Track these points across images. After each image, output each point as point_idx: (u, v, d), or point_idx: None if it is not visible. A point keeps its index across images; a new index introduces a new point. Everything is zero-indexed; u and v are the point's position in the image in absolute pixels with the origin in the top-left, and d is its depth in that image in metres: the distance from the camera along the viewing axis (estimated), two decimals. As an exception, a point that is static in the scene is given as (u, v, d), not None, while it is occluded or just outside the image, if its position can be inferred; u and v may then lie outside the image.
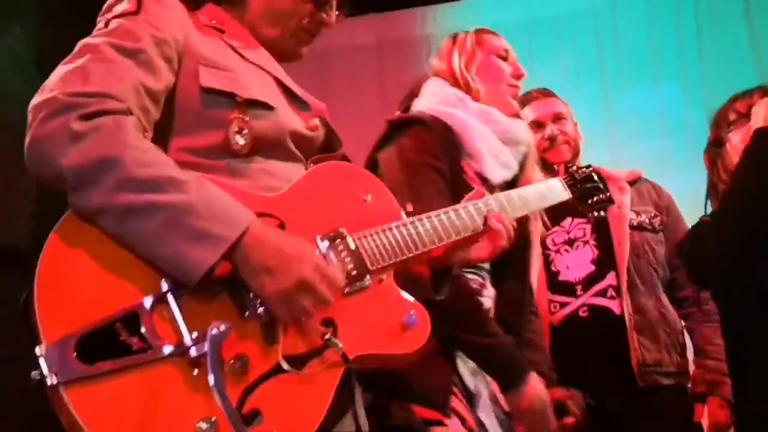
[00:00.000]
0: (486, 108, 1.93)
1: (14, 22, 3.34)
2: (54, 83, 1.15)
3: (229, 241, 1.10)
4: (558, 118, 2.58)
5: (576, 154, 2.58)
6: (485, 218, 1.47)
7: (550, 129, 2.55)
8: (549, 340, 2.37)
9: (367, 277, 1.28)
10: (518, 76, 2.06)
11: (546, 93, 2.67)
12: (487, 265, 1.90)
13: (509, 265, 2.21)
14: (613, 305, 2.35)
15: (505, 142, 1.92)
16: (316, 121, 1.43)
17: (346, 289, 1.26)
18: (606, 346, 2.31)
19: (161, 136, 1.26)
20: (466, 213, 1.47)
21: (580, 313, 2.39)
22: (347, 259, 1.27)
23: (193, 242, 1.09)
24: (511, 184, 1.90)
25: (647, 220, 2.46)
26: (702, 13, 4.48)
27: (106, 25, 1.26)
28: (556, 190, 1.75)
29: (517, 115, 2.02)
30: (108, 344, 1.05)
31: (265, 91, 1.36)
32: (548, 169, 2.60)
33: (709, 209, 2.04)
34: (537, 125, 2.58)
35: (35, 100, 1.15)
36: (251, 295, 1.15)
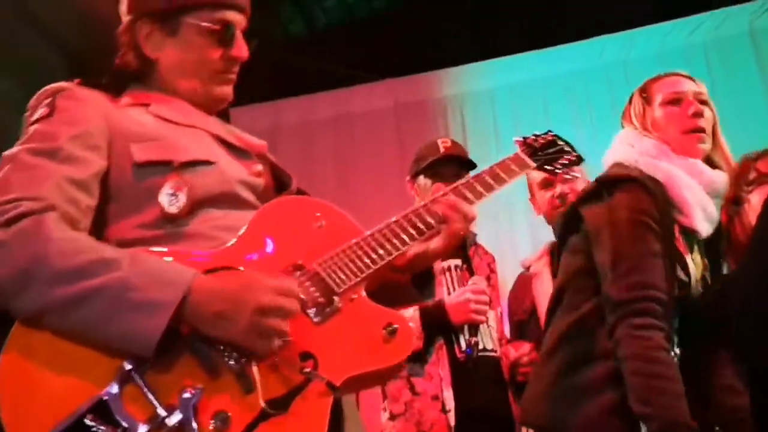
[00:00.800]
0: (690, 160, 1.89)
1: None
2: None
3: (173, 304, 1.12)
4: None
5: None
6: (438, 213, 1.45)
7: (561, 188, 2.56)
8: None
9: (336, 299, 1.29)
10: (696, 114, 1.95)
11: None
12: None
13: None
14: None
15: (711, 194, 1.88)
16: (259, 167, 1.46)
17: (317, 318, 1.27)
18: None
19: (102, 219, 1.29)
20: (417, 214, 1.45)
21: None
22: (311, 289, 1.29)
23: (138, 315, 1.11)
24: (711, 239, 1.90)
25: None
26: (714, 63, 4.51)
27: (26, 132, 1.30)
28: (518, 164, 1.66)
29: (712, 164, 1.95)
30: None
31: (202, 148, 1.38)
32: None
33: (725, 267, 2.00)
34: (547, 184, 2.60)
35: None
36: (217, 348, 1.15)
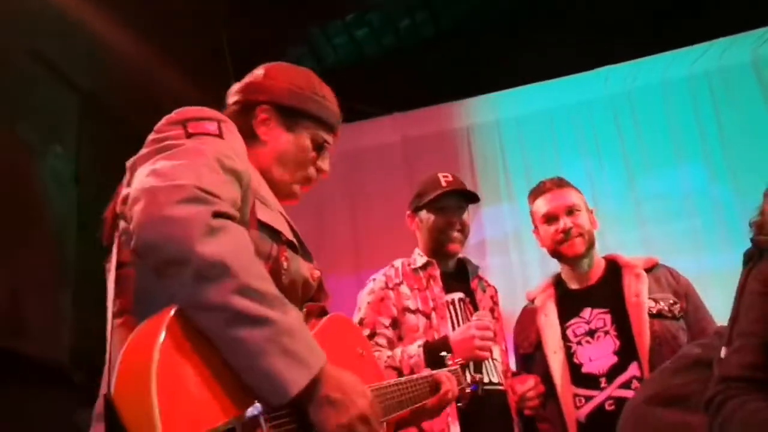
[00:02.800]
0: None
1: (56, 144, 3.58)
2: (170, 171, 1.19)
3: (316, 369, 1.19)
4: (571, 210, 2.61)
5: (591, 245, 2.60)
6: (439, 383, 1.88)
7: (564, 222, 2.58)
8: (576, 436, 2.34)
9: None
10: None
11: (559, 184, 2.70)
12: None
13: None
14: (638, 396, 2.30)
15: None
16: (318, 273, 1.57)
17: None
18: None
19: None
20: (426, 381, 1.84)
21: (606, 407, 2.35)
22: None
23: (289, 362, 1.15)
24: None
25: (666, 308, 2.43)
26: (717, 89, 4.52)
27: (188, 136, 1.33)
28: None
29: None
30: None
31: (289, 234, 1.48)
32: (564, 261, 2.63)
33: None
34: (550, 218, 2.63)
35: (153, 182, 1.17)
36: (312, 425, 1.22)
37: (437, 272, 2.61)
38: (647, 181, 4.54)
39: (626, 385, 2.36)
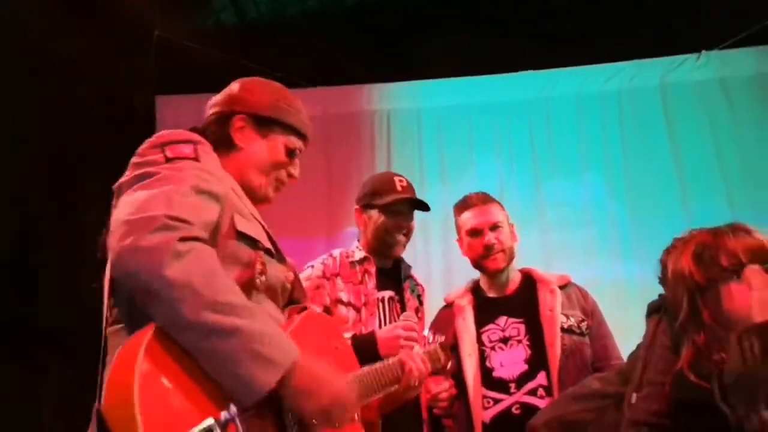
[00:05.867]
0: None
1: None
2: (146, 203, 1.33)
3: (286, 366, 1.33)
4: (495, 227, 2.72)
5: (510, 260, 2.75)
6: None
7: (488, 238, 2.70)
8: (480, 436, 2.51)
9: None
10: None
11: (484, 200, 2.81)
12: None
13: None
14: (542, 404, 2.47)
15: None
16: (291, 275, 1.70)
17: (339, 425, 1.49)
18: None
19: None
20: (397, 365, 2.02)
21: (513, 411, 2.52)
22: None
23: (257, 365, 1.29)
24: None
25: (575, 324, 2.62)
26: (625, 110, 4.83)
27: (168, 161, 1.45)
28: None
29: None
30: None
31: (265, 240, 1.60)
32: (484, 273, 2.78)
33: None
34: (475, 233, 2.74)
35: (128, 215, 1.31)
36: (289, 416, 1.38)
37: (373, 269, 2.70)
38: (552, 188, 4.80)
39: (533, 392, 2.53)
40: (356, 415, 1.65)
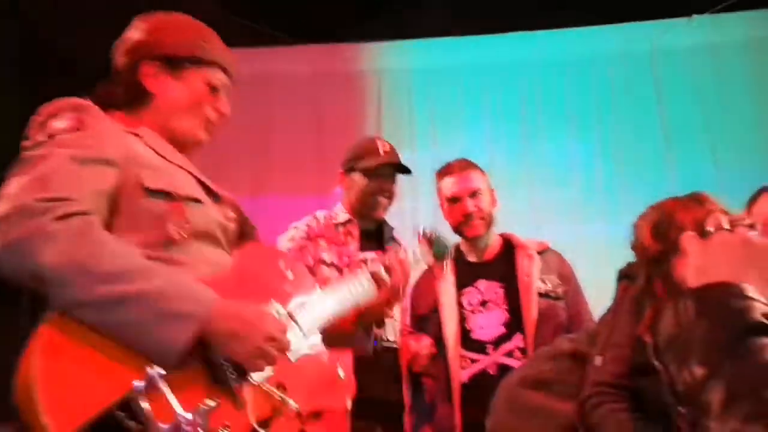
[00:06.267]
0: None
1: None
2: (17, 192, 1.27)
3: (200, 317, 1.29)
4: (474, 194, 2.78)
5: (490, 226, 2.82)
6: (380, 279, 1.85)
7: (467, 206, 2.76)
8: (459, 393, 2.61)
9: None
10: None
11: (465, 166, 2.86)
12: None
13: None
14: (518, 366, 2.56)
15: None
16: (231, 213, 1.64)
17: (293, 357, 1.49)
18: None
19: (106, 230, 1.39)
20: (367, 280, 1.83)
21: (490, 371, 2.62)
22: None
23: (168, 323, 1.25)
24: None
25: (552, 288, 2.71)
26: (616, 73, 4.85)
27: (50, 138, 1.38)
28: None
29: None
30: (112, 430, 1.18)
31: (191, 187, 1.54)
32: (464, 239, 2.85)
33: None
34: (454, 200, 2.80)
35: (1, 209, 1.24)
36: (224, 366, 1.34)
37: (356, 231, 2.79)
38: (539, 149, 4.84)
39: (509, 354, 2.64)
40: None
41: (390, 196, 2.83)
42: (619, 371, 1.78)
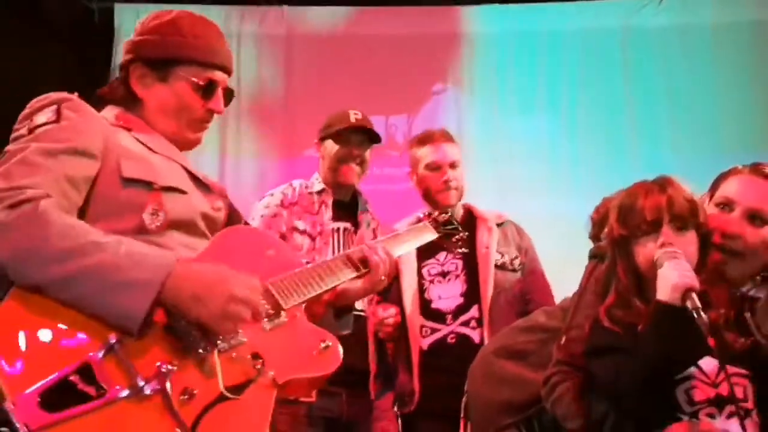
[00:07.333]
0: None
1: None
2: None
3: (157, 284, 1.30)
4: (454, 165, 2.87)
5: (460, 198, 2.91)
6: (366, 259, 1.78)
7: (447, 175, 2.84)
8: (418, 360, 2.72)
9: (283, 314, 1.56)
10: None
11: (448, 137, 2.94)
12: None
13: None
14: (474, 334, 2.70)
15: None
16: (220, 203, 1.68)
17: (268, 326, 1.52)
18: (465, 369, 2.53)
19: (81, 218, 1.44)
20: (351, 257, 1.78)
21: (448, 340, 2.73)
22: (263, 302, 1.51)
23: (125, 294, 1.29)
24: None
25: (509, 261, 2.82)
26: (588, 50, 4.94)
27: (30, 132, 1.44)
28: (426, 232, 2.14)
29: None
30: (69, 394, 1.23)
31: (176, 177, 1.58)
32: (434, 207, 2.93)
33: None
34: (435, 168, 2.88)
35: None
36: (189, 334, 1.37)
37: (330, 200, 2.89)
38: (509, 124, 4.94)
39: (466, 323, 2.74)
40: (298, 312, 1.62)
41: (361, 163, 2.91)
42: (576, 351, 1.85)
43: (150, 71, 1.62)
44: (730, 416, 1.68)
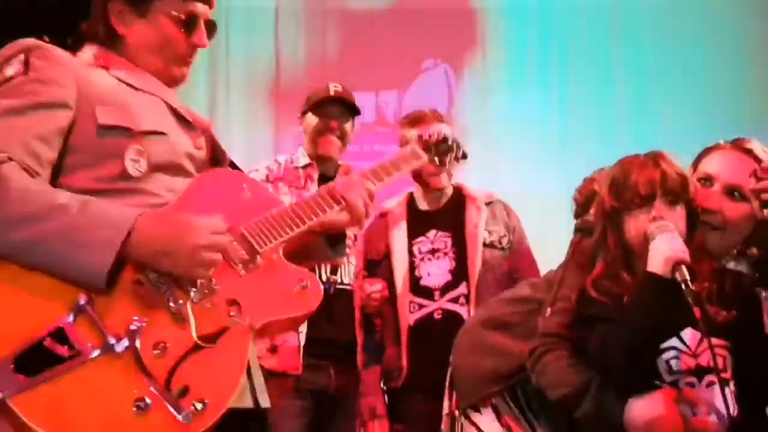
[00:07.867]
0: None
1: None
2: None
3: (118, 242, 1.30)
4: None
5: (450, 178, 2.94)
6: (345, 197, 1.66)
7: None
8: (406, 335, 2.78)
9: (258, 257, 1.52)
10: None
11: (439, 118, 2.96)
12: None
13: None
14: (462, 311, 2.76)
15: None
16: (202, 141, 1.64)
17: (242, 272, 1.49)
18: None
19: (58, 169, 1.41)
20: (327, 194, 1.67)
21: (435, 315, 2.79)
22: (237, 246, 1.50)
23: (87, 253, 1.28)
24: None
25: (497, 239, 2.87)
26: (578, 27, 4.94)
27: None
28: (413, 159, 1.91)
29: None
30: (43, 357, 1.24)
31: (157, 118, 1.54)
32: (424, 188, 2.96)
33: None
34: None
35: None
36: (159, 287, 1.36)
37: (316, 174, 2.92)
38: (500, 101, 4.93)
39: (455, 300, 2.80)
40: (274, 255, 1.57)
41: (342, 136, 2.94)
42: (563, 323, 1.90)
43: (128, 7, 1.57)
44: (709, 385, 1.76)
